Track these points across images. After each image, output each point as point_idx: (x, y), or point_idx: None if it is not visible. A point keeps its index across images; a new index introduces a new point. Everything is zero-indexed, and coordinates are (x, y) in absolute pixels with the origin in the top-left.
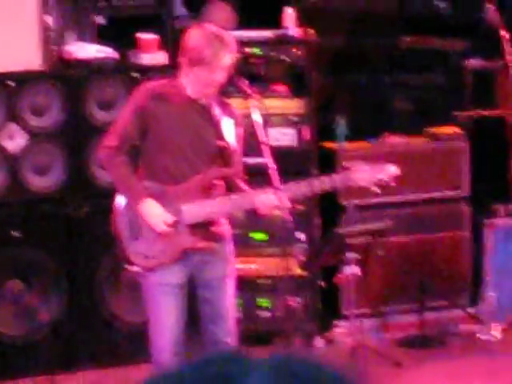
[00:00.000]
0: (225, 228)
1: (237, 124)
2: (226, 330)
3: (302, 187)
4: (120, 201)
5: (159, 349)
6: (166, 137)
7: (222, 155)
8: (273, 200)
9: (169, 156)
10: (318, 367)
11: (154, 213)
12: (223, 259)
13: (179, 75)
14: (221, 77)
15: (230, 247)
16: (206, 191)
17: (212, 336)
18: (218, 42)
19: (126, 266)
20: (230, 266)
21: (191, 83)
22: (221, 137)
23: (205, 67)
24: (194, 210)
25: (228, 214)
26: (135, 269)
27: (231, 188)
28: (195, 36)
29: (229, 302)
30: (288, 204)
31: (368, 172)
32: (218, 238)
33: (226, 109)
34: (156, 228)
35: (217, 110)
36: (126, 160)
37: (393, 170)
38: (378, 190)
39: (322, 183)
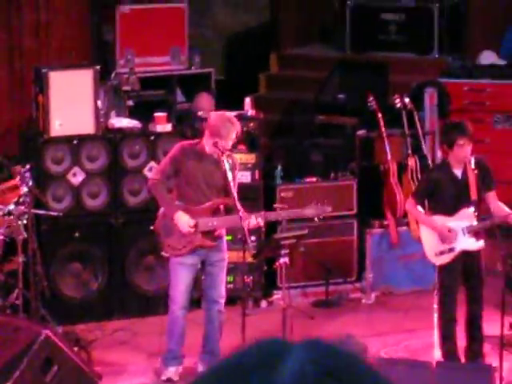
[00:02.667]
0: (222, 233)
1: (235, 169)
2: (220, 294)
3: (276, 215)
4: (160, 211)
5: (174, 302)
6: (190, 176)
7: (225, 190)
8: (252, 222)
9: (191, 188)
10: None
11: (183, 219)
12: (221, 250)
13: (202, 139)
14: (228, 145)
15: (224, 244)
16: (214, 211)
17: (210, 297)
18: (229, 125)
19: (162, 253)
20: (225, 254)
21: (208, 146)
22: (225, 178)
23: (220, 138)
24: (206, 222)
25: (225, 226)
26: (167, 255)
27: (231, 209)
28: (216, 118)
29: (223, 275)
30: (260, 223)
31: (315, 209)
32: (218, 238)
33: (230, 157)
34: (182, 229)
35: (223, 161)
36: (164, 187)
37: (329, 209)
38: (317, 221)
39: (286, 214)
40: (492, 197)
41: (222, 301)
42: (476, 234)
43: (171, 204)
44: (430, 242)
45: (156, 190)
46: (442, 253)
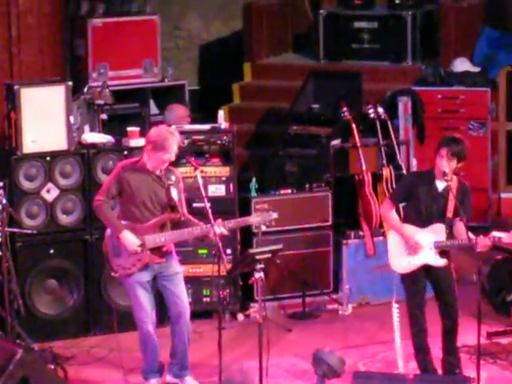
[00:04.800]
0: (171, 248)
1: (179, 182)
2: (182, 306)
3: (222, 225)
4: (107, 232)
5: (141, 320)
6: (134, 194)
7: (170, 205)
8: (206, 231)
9: (136, 206)
10: None
11: (129, 238)
12: (172, 265)
13: (142, 156)
14: (172, 157)
15: (174, 257)
16: (160, 228)
17: (173, 311)
18: (171, 137)
19: (112, 273)
20: (177, 267)
21: (151, 161)
22: (169, 194)
23: (164, 152)
24: (153, 239)
25: (174, 241)
26: (117, 275)
27: (183, 223)
28: (157, 132)
29: (181, 287)
30: (217, 232)
31: (261, 217)
32: (167, 253)
33: (172, 172)
34: (129, 248)
35: (165, 177)
36: (109, 207)
37: (275, 215)
38: (265, 228)
39: (233, 223)
40: (461, 223)
41: (187, 312)
42: (442, 251)
43: (117, 224)
44: (395, 250)
45: (101, 211)
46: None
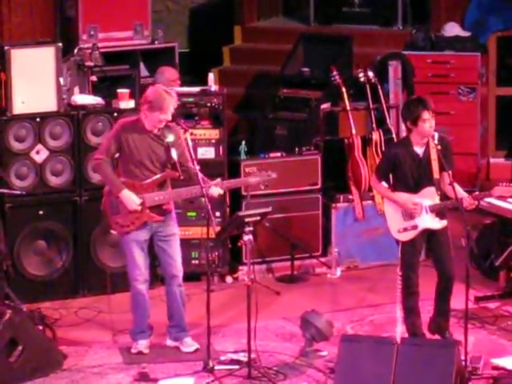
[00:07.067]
0: (171, 207)
1: (178, 137)
2: (177, 268)
3: (220, 185)
4: (106, 189)
5: (134, 278)
6: (133, 154)
7: (170, 164)
8: (204, 191)
9: (135, 165)
10: None
11: (129, 197)
12: (170, 224)
13: (140, 115)
14: (169, 117)
15: (173, 217)
16: (160, 186)
17: (168, 273)
18: (168, 97)
19: (111, 231)
20: (175, 228)
21: (148, 121)
22: (168, 153)
23: (161, 112)
24: (152, 197)
25: (173, 200)
26: (115, 232)
27: (188, 180)
28: (154, 92)
29: (176, 249)
30: (216, 194)
31: (260, 177)
32: (166, 212)
33: (171, 130)
34: (129, 207)
35: (163, 136)
36: (109, 165)
37: (274, 175)
38: (263, 188)
39: (233, 183)
40: (448, 177)
41: (181, 274)
42: (439, 212)
43: (117, 183)
44: (393, 219)
45: (101, 170)
46: (405, 229)
